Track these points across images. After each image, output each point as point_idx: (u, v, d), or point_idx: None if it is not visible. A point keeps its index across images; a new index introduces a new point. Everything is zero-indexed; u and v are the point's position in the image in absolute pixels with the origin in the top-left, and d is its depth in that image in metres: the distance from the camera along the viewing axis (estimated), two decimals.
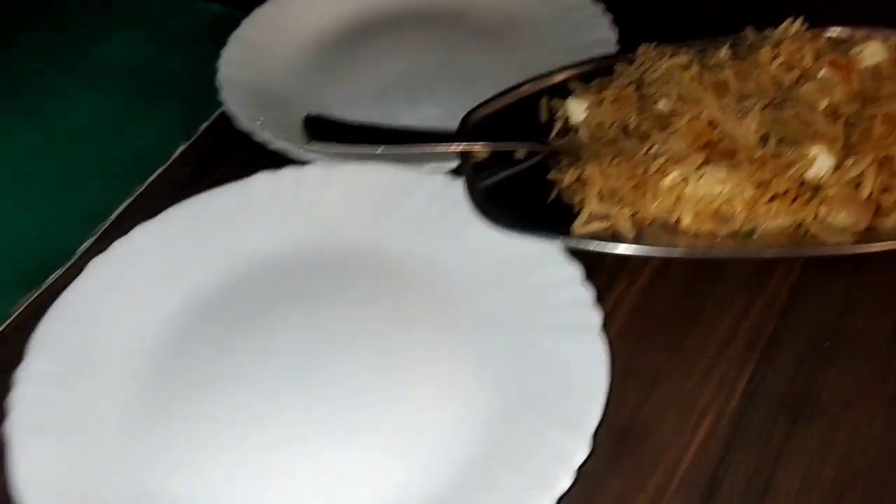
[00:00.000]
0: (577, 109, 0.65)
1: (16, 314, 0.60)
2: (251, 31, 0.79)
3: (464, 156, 0.62)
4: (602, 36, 0.75)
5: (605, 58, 0.69)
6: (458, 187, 0.60)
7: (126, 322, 0.56)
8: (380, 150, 0.61)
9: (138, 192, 0.68)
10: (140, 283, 0.58)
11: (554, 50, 0.76)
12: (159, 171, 0.70)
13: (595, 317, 0.52)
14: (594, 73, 0.67)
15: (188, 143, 0.72)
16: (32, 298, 0.61)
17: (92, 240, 0.64)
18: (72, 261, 0.63)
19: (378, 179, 0.63)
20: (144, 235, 0.60)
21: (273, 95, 0.74)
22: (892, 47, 0.60)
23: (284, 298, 0.58)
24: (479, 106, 0.66)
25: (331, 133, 0.63)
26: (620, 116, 0.62)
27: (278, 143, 0.67)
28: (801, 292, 0.55)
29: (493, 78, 0.71)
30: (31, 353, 0.53)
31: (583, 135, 0.64)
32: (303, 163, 0.65)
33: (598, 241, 0.55)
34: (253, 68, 0.76)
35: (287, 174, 0.63)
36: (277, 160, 0.65)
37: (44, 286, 0.61)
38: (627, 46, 0.69)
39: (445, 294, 0.57)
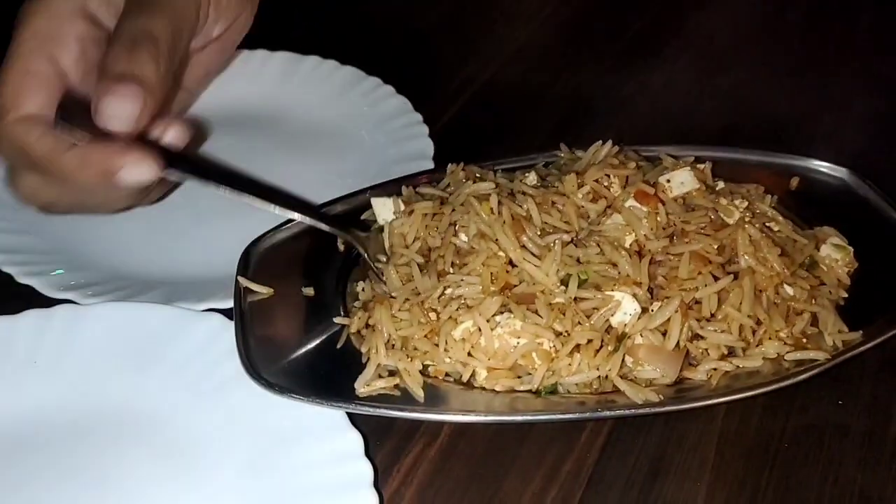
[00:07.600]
0: (383, 209, 0.58)
1: None
2: None
3: (240, 295, 0.54)
4: (419, 148, 0.69)
5: (410, 177, 0.62)
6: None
7: None
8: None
9: None
10: None
11: (369, 162, 0.70)
12: None
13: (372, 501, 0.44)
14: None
15: None
16: None
17: None
18: None
19: (139, 321, 0.54)
20: None
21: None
22: (702, 175, 0.57)
23: (31, 473, 0.48)
24: (263, 235, 0.58)
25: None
26: (424, 237, 0.55)
27: (26, 279, 0.57)
28: (610, 455, 0.49)
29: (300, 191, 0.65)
30: None
31: (385, 239, 0.57)
32: (51, 302, 0.55)
33: (381, 408, 0.47)
34: None
35: (27, 318, 0.53)
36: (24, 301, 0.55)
37: None
38: (445, 160, 0.64)
39: (211, 467, 0.48)
